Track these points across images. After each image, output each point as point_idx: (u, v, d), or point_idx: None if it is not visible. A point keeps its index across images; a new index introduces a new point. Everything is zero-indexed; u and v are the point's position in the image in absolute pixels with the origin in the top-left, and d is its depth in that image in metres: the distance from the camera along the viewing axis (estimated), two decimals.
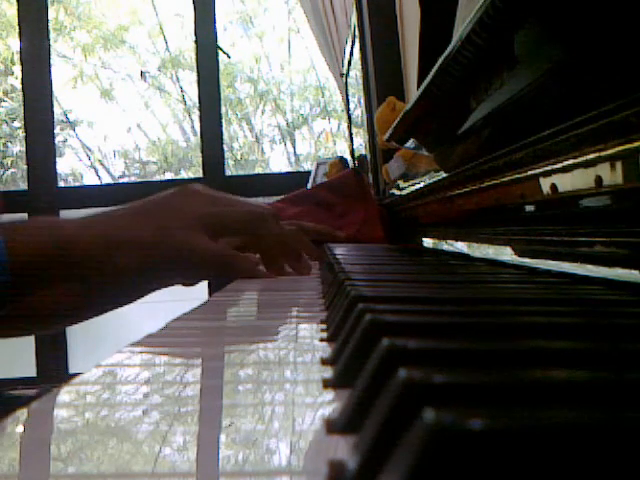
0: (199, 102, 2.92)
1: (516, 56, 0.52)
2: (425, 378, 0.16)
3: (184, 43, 4.02)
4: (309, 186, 2.28)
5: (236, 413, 0.21)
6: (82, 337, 2.94)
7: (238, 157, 4.14)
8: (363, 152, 2.15)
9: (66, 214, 2.90)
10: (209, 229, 0.65)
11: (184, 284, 0.73)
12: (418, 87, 0.80)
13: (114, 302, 0.71)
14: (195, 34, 2.93)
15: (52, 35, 3.10)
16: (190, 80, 3.88)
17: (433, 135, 0.87)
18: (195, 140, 3.95)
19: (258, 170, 4.11)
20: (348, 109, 2.70)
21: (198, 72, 2.93)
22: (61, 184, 3.18)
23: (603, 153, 0.39)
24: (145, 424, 0.20)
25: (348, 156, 2.57)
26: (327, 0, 2.76)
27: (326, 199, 1.47)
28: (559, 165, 0.46)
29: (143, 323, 2.77)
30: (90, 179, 4.13)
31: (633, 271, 0.39)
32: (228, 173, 3.21)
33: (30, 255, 0.60)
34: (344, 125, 3.41)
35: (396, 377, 0.16)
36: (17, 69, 3.45)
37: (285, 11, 4.08)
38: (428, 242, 1.05)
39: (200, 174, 2.95)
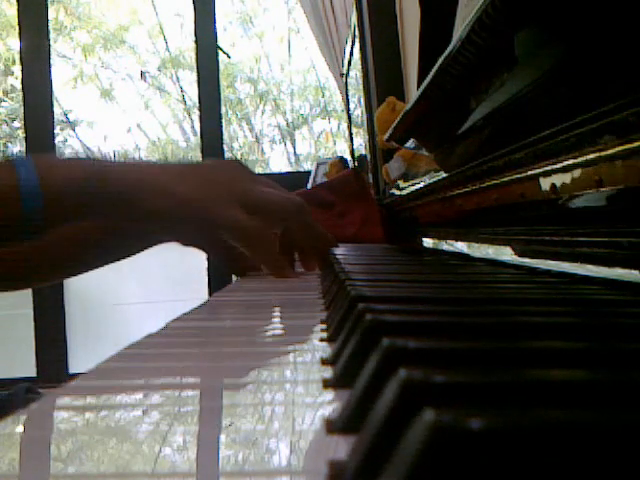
0: (199, 102, 2.92)
1: (516, 56, 0.52)
2: (425, 378, 0.16)
3: (184, 43, 4.02)
4: (309, 186, 2.29)
5: (236, 413, 0.21)
6: (82, 337, 2.94)
7: (238, 157, 4.14)
8: (363, 152, 2.15)
9: None
10: (244, 205, 0.64)
11: (191, 245, 0.72)
12: (418, 87, 0.80)
13: (125, 249, 0.71)
14: (195, 34, 2.93)
15: (52, 35, 3.10)
16: (190, 80, 3.88)
17: (433, 135, 0.87)
18: (195, 140, 3.95)
19: (258, 170, 4.11)
20: (348, 109, 2.70)
21: (198, 72, 2.93)
22: None
23: (603, 153, 0.39)
24: (145, 424, 0.20)
25: (348, 156, 2.57)
26: (327, 0, 2.76)
27: (326, 199, 1.47)
28: (559, 165, 0.46)
29: (143, 323, 2.77)
30: None
31: (633, 271, 0.39)
32: None
33: (62, 184, 0.60)
34: (344, 125, 3.41)
35: (396, 377, 0.16)
36: (17, 69, 3.45)
37: (285, 11, 4.08)
38: (428, 242, 1.05)
39: None
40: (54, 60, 3.10)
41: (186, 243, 0.71)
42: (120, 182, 0.62)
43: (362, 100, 2.00)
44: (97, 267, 0.74)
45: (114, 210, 0.62)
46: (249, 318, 0.45)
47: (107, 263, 0.73)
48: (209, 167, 0.68)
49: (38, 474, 0.16)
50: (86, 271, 0.74)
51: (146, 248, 0.73)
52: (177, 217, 0.63)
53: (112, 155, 0.68)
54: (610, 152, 0.39)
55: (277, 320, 0.44)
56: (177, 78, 4.08)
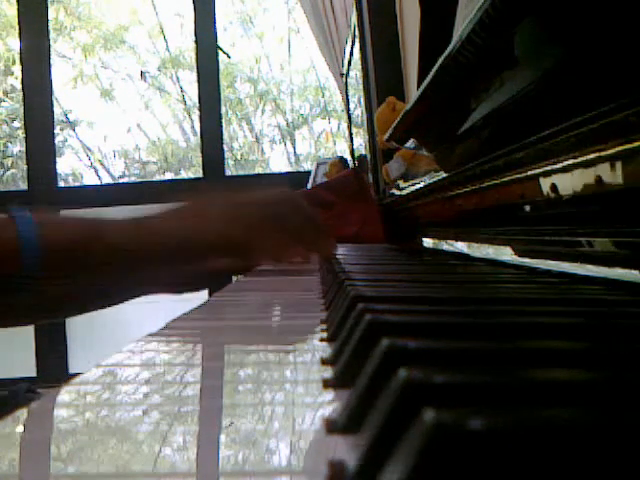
0: (199, 102, 2.92)
1: (516, 56, 0.52)
2: (425, 378, 0.16)
3: (184, 43, 4.02)
4: (309, 186, 2.28)
5: (236, 413, 0.21)
6: (82, 337, 2.94)
7: (238, 157, 4.14)
8: (363, 152, 2.15)
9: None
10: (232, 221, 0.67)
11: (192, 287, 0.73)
12: (418, 87, 0.79)
13: (130, 293, 0.72)
14: (195, 34, 2.93)
15: (52, 35, 3.10)
16: (190, 80, 3.88)
17: (433, 135, 0.87)
18: (195, 140, 3.95)
19: (258, 170, 4.10)
20: (348, 109, 2.70)
21: (198, 72, 2.93)
22: (61, 184, 3.18)
23: (603, 153, 0.39)
24: (145, 424, 0.20)
25: (348, 156, 2.57)
26: (327, 0, 2.76)
27: (326, 199, 1.47)
28: (559, 165, 0.46)
29: (143, 323, 2.77)
30: (90, 179, 4.13)
31: (633, 271, 0.39)
32: (228, 173, 3.21)
33: (61, 240, 0.61)
34: (344, 125, 3.41)
35: (396, 377, 0.16)
36: (17, 69, 3.45)
37: (285, 11, 4.08)
38: (428, 242, 1.05)
39: (200, 174, 2.95)
40: (54, 60, 3.10)
41: (180, 290, 0.73)
42: (120, 232, 0.63)
43: (362, 100, 2.00)
44: (90, 311, 0.74)
45: (109, 266, 0.64)
46: (249, 318, 0.45)
47: (101, 308, 0.73)
48: (189, 205, 0.70)
49: (38, 474, 0.16)
50: (77, 314, 0.75)
51: (141, 295, 0.73)
52: (177, 268, 0.65)
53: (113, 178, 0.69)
54: (610, 152, 0.39)
55: (277, 320, 0.44)
56: (177, 78, 4.08)
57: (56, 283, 0.62)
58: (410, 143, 0.98)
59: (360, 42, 1.90)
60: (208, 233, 0.65)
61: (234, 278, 0.81)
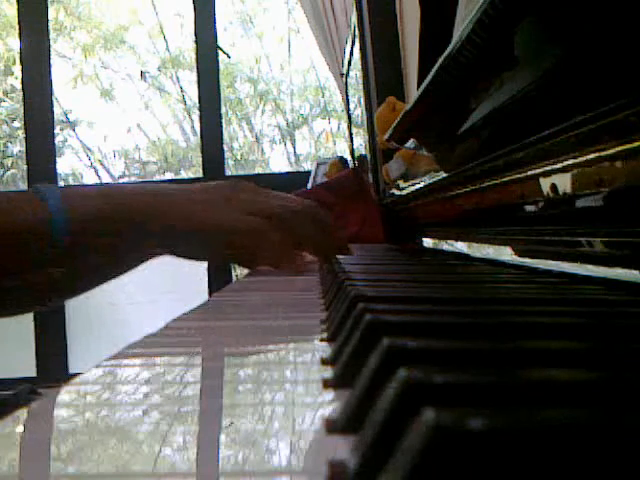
0: (199, 102, 2.92)
1: (516, 56, 0.52)
2: (425, 378, 0.16)
3: (184, 43, 4.02)
4: (309, 186, 2.28)
5: (236, 413, 0.21)
6: (82, 337, 2.94)
7: (238, 157, 4.14)
8: (363, 152, 2.15)
9: None
10: (251, 213, 0.68)
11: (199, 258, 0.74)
12: (418, 87, 0.80)
13: (124, 266, 0.73)
14: (195, 34, 2.93)
15: (52, 35, 3.10)
16: (190, 80, 3.88)
17: (433, 135, 0.87)
18: (195, 140, 3.95)
19: (258, 170, 4.10)
20: (348, 109, 2.70)
21: (198, 72, 2.93)
22: (61, 184, 3.18)
23: (603, 153, 0.39)
24: (145, 424, 0.20)
25: (348, 156, 2.57)
26: (327, 0, 2.76)
27: (326, 199, 1.47)
28: (559, 165, 0.46)
29: (143, 323, 2.77)
30: (90, 179, 4.13)
31: (633, 271, 0.39)
32: (228, 173, 3.21)
33: (89, 214, 0.63)
34: (344, 125, 3.41)
35: (396, 377, 0.16)
36: (17, 69, 3.45)
37: (285, 11, 4.08)
38: (428, 242, 1.05)
39: (200, 174, 2.95)
40: (54, 60, 3.10)
41: (186, 256, 0.73)
42: (142, 209, 0.65)
43: (362, 100, 2.00)
44: (94, 287, 0.74)
45: (133, 233, 0.65)
46: (249, 318, 0.45)
47: (105, 281, 0.74)
48: (217, 186, 0.71)
49: (38, 474, 0.16)
50: (82, 292, 0.75)
51: (142, 263, 0.74)
52: (191, 233, 0.66)
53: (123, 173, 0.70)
54: (610, 152, 0.39)
55: (277, 320, 0.44)
56: (177, 78, 4.08)
57: (83, 254, 0.64)
58: (410, 143, 0.98)
59: (360, 42, 1.90)
60: (222, 220, 0.66)
61: (234, 278, 0.81)
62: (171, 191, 0.68)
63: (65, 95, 3.93)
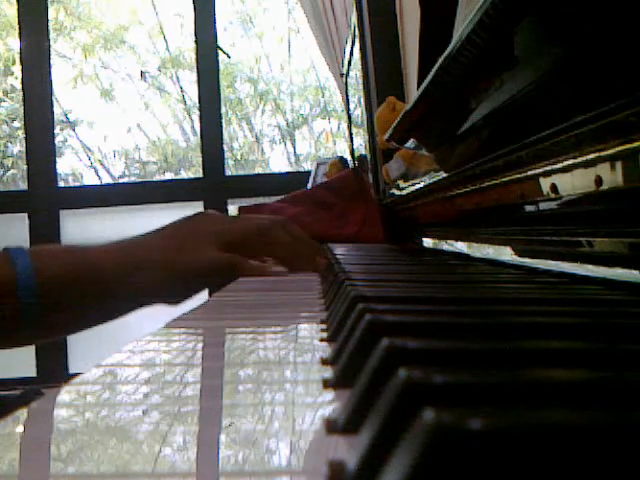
0: (199, 102, 2.92)
1: (516, 56, 0.52)
2: (425, 378, 0.16)
3: (184, 43, 4.02)
4: (309, 186, 2.28)
5: (236, 413, 0.21)
6: (82, 337, 2.93)
7: (238, 157, 4.14)
8: (363, 152, 2.15)
9: (66, 214, 2.90)
10: (220, 244, 0.70)
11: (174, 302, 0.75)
12: (418, 87, 0.79)
13: (119, 314, 0.74)
14: (195, 34, 2.93)
15: (52, 35, 3.10)
16: (190, 80, 3.88)
17: (433, 135, 0.87)
18: (195, 140, 3.95)
19: (258, 170, 4.10)
20: (348, 109, 2.69)
21: (198, 72, 2.93)
22: (61, 184, 3.18)
23: (603, 153, 0.39)
24: (145, 424, 0.20)
25: (348, 156, 2.57)
26: (327, 0, 2.76)
27: (326, 199, 1.47)
28: (559, 165, 0.46)
29: (143, 323, 2.77)
30: (90, 179, 4.13)
31: (633, 271, 0.39)
32: (228, 173, 3.21)
33: (56, 278, 0.64)
34: (344, 125, 3.40)
35: (396, 377, 0.16)
36: (17, 69, 3.45)
37: (285, 11, 4.07)
38: (428, 242, 1.05)
39: (200, 174, 2.95)
40: (54, 60, 3.10)
41: (172, 302, 0.74)
42: (112, 267, 0.66)
43: (362, 100, 2.00)
44: (90, 327, 0.75)
45: (109, 292, 0.67)
46: (249, 318, 0.45)
47: (101, 323, 0.75)
48: (184, 224, 0.73)
49: (38, 474, 0.16)
50: (77, 332, 0.77)
51: (132, 311, 0.75)
52: (169, 280, 0.68)
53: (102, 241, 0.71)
54: (610, 152, 0.39)
55: (277, 320, 0.44)
56: (177, 78, 4.08)
57: (53, 310, 0.65)
58: (410, 143, 0.98)
59: (360, 42, 1.90)
60: (196, 263, 0.69)
61: None
62: (139, 244, 0.69)
63: (65, 95, 3.93)
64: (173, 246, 0.69)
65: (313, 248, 0.81)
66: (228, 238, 0.71)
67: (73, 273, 0.65)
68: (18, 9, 2.94)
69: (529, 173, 0.52)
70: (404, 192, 1.15)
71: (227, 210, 2.84)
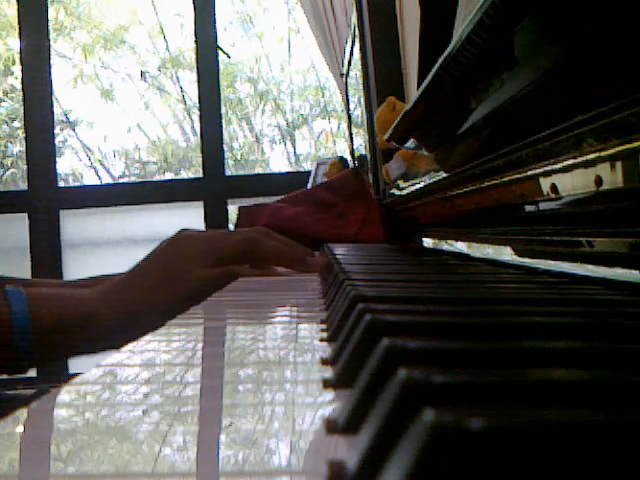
0: (199, 102, 2.92)
1: (516, 56, 0.52)
2: (425, 378, 0.16)
3: (184, 43, 4.02)
4: (309, 186, 2.28)
5: (236, 413, 0.21)
6: None
7: (238, 157, 4.14)
8: (363, 152, 2.15)
9: (66, 214, 2.90)
10: (208, 264, 0.71)
11: None
12: (418, 87, 0.79)
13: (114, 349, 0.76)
14: (195, 34, 2.93)
15: (52, 35, 3.10)
16: (190, 80, 3.88)
17: (433, 135, 0.87)
18: (195, 140, 3.95)
19: (258, 170, 4.10)
20: (348, 109, 2.70)
21: (198, 72, 2.93)
22: (61, 184, 3.18)
23: (603, 153, 0.39)
24: (145, 424, 0.20)
25: (348, 156, 2.57)
26: (327, 0, 2.76)
27: (326, 199, 1.47)
28: (559, 165, 0.46)
29: None
30: (90, 179, 4.13)
31: (633, 271, 0.39)
32: (228, 173, 3.21)
33: (52, 328, 0.65)
34: (344, 125, 3.40)
35: (396, 377, 0.16)
36: (17, 69, 3.45)
37: (285, 11, 4.08)
38: (428, 242, 1.05)
39: (200, 174, 2.95)
40: (54, 60, 3.10)
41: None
42: (106, 316, 0.67)
43: (362, 100, 2.00)
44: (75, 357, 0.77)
45: (102, 340, 0.68)
46: (248, 318, 0.45)
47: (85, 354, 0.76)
48: (167, 251, 0.73)
49: (38, 474, 0.16)
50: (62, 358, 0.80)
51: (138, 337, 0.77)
52: (161, 323, 0.69)
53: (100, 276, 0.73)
54: (610, 152, 0.39)
55: (277, 320, 0.44)
56: (177, 78, 4.08)
57: (47, 352, 0.67)
58: (410, 143, 0.98)
59: (360, 42, 1.90)
60: (183, 289, 0.69)
61: None
62: (132, 286, 0.70)
63: (65, 95, 3.93)
64: (164, 280, 0.69)
65: (301, 250, 0.81)
66: (218, 255, 0.71)
67: (68, 321, 0.66)
68: (18, 9, 2.94)
69: (529, 173, 0.52)
70: (404, 192, 1.15)
71: (227, 210, 2.84)
